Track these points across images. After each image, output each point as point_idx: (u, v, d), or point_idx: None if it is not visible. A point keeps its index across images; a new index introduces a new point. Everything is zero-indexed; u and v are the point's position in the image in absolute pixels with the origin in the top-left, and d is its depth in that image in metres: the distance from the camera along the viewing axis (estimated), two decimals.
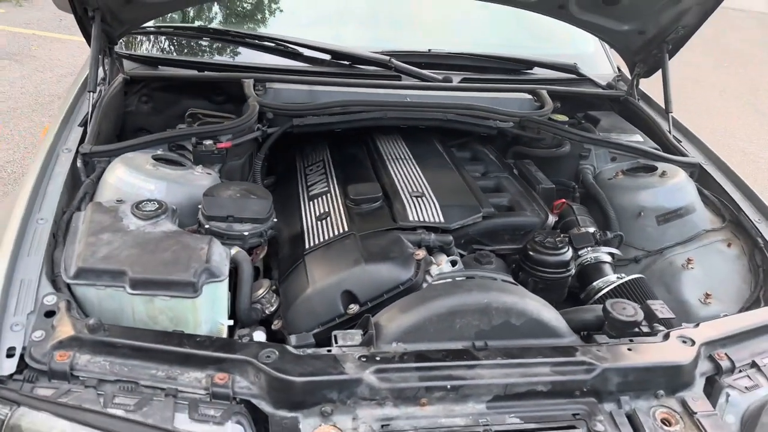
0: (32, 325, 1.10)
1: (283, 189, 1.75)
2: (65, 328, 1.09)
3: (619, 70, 2.33)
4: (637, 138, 1.94)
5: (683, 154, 1.86)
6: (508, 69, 2.13)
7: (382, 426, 1.03)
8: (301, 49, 1.99)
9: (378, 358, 1.09)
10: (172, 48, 2.10)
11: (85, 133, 1.61)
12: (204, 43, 2.11)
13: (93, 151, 1.53)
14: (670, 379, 1.15)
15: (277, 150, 1.95)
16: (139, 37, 2.10)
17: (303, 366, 1.06)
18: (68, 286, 1.20)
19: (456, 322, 1.19)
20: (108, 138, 1.70)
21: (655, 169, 1.76)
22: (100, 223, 1.30)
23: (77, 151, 1.53)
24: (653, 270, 1.66)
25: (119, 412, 0.99)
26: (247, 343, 1.12)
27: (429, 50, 2.08)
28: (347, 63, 2.00)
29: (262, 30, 2.25)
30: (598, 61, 2.33)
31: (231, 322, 1.30)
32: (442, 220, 1.46)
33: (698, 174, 1.83)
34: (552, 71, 2.17)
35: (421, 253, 1.35)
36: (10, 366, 1.04)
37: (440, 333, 1.18)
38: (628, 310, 1.27)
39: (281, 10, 2.33)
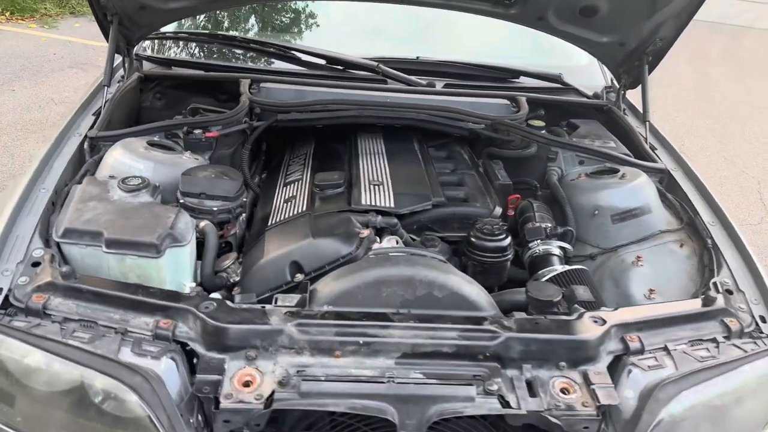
0: (20, 272, 1.30)
1: (270, 178, 1.94)
2: (44, 276, 1.28)
3: (612, 81, 2.40)
4: (610, 144, 2.02)
5: (653, 161, 1.93)
6: (494, 77, 2.25)
7: (298, 371, 1.16)
8: (298, 54, 2.18)
9: (301, 314, 1.23)
10: (185, 51, 2.34)
11: (96, 120, 1.84)
12: (212, 47, 2.33)
13: (98, 135, 1.75)
14: (573, 353, 1.24)
15: (275, 145, 2.14)
16: (156, 40, 2.34)
17: (234, 316, 1.21)
18: (57, 244, 1.40)
19: (382, 291, 1.32)
20: (118, 127, 1.92)
21: (617, 171, 1.84)
22: (89, 193, 1.50)
23: (86, 135, 1.76)
24: (607, 266, 1.73)
25: (75, 343, 1.17)
26: (191, 295, 1.29)
27: (417, 57, 2.24)
28: (339, 68, 2.17)
29: (269, 37, 2.46)
30: (591, 72, 2.41)
31: (194, 285, 1.47)
32: (392, 205, 1.61)
33: (666, 179, 1.89)
34: (538, 80, 2.27)
35: (366, 232, 1.49)
36: None
37: (367, 300, 1.31)
38: (547, 291, 1.37)
39: (286, 21, 2.54)
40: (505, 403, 1.16)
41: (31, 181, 1.53)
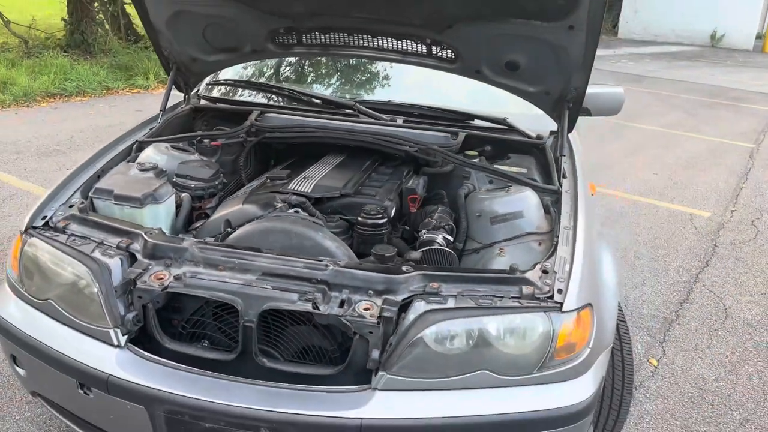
0: (60, 210, 2.08)
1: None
2: (72, 211, 2.06)
3: None
4: (522, 170, 2.46)
5: (551, 184, 2.33)
6: (450, 118, 2.79)
7: (191, 275, 1.78)
8: (299, 95, 2.92)
9: (202, 242, 1.86)
10: (229, 92, 3.17)
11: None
12: (244, 91, 3.15)
13: (144, 140, 2.57)
14: (380, 286, 1.73)
15: (280, 158, 2.86)
16: (210, 84, 3.20)
17: (163, 239, 1.88)
18: (90, 198, 2.18)
19: (270, 237, 1.92)
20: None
21: (507, 188, 2.28)
22: (119, 170, 2.29)
23: (136, 140, 2.58)
24: (484, 257, 2.17)
25: (71, 245, 1.90)
26: (146, 227, 1.97)
27: (389, 100, 2.86)
28: (331, 106, 2.86)
29: (283, 81, 3.28)
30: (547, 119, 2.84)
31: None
32: (309, 191, 2.21)
33: (559, 198, 2.28)
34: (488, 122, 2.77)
35: (279, 204, 2.10)
36: (41, 223, 2.02)
37: (259, 242, 1.91)
38: (384, 249, 1.88)
39: (298, 72, 3.33)
40: (315, 308, 1.68)
41: (87, 162, 2.34)
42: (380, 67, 3.21)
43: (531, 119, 2.78)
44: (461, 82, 2.70)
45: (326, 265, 1.77)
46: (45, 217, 2.05)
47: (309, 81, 3.37)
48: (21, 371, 1.99)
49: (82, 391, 1.79)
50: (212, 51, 2.73)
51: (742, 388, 2.99)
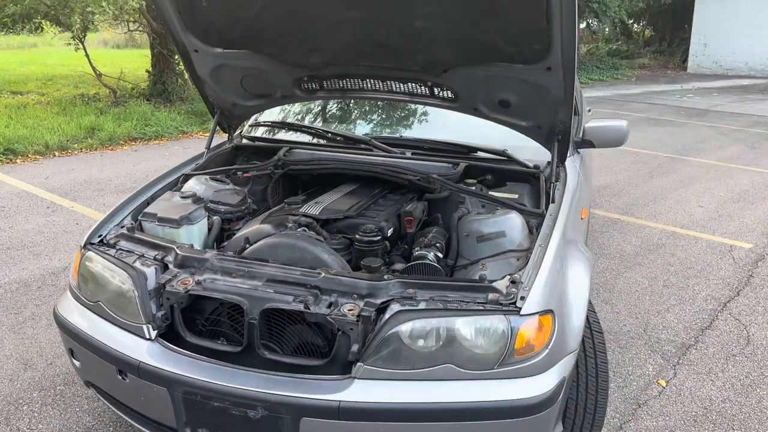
0: (113, 230, 2.52)
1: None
2: (122, 231, 2.49)
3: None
4: (514, 196, 2.72)
5: (536, 207, 2.58)
6: (454, 150, 3.09)
7: (210, 280, 2.15)
8: (322, 132, 3.31)
9: (221, 254, 2.23)
10: (265, 132, 3.60)
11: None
12: (276, 129, 3.59)
13: (189, 173, 3.01)
14: (362, 291, 2.03)
15: (307, 188, 3.24)
16: (252, 125, 3.64)
17: (190, 252, 2.26)
18: (139, 221, 2.62)
19: (278, 250, 2.28)
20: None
21: (495, 211, 2.55)
22: (164, 198, 2.73)
23: (182, 173, 3.02)
24: (470, 272, 2.43)
25: (118, 258, 2.32)
26: (179, 243, 2.37)
27: (400, 136, 3.20)
28: (351, 141, 3.23)
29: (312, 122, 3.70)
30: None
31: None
32: (316, 213, 2.56)
33: (542, 220, 2.52)
34: (489, 154, 3.05)
35: (290, 224, 2.46)
36: (97, 240, 2.47)
37: (268, 255, 2.27)
38: (371, 261, 2.20)
39: (326, 112, 3.73)
40: (306, 308, 2.00)
41: (139, 191, 2.79)
42: (393, 106, 3.56)
43: (534, 150, 3.04)
44: (466, 118, 3.01)
45: (318, 273, 2.09)
46: (101, 235, 2.49)
47: (333, 119, 3.79)
48: (76, 362, 2.40)
49: (120, 377, 2.17)
50: (249, 97, 3.17)
51: (749, 409, 3.05)
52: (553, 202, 2.67)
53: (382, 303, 2.02)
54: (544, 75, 2.48)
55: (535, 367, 1.99)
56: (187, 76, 12.60)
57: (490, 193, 2.79)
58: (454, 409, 1.91)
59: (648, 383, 3.24)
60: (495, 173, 2.98)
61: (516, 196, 2.76)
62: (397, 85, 2.87)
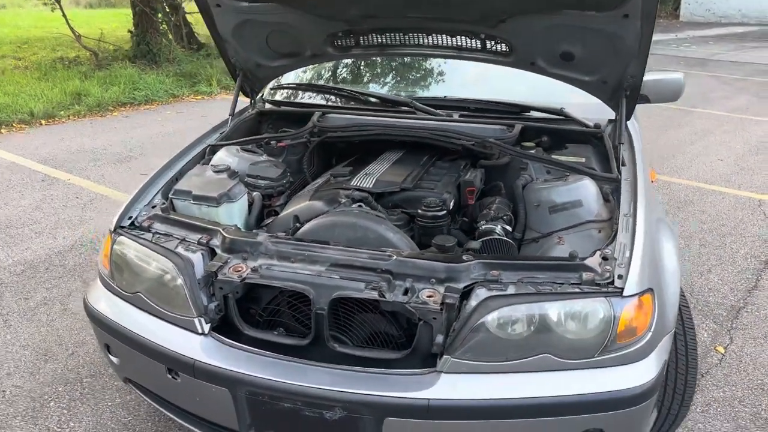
0: (144, 210, 2.26)
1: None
2: (155, 211, 2.23)
3: None
4: (580, 159, 2.49)
5: (609, 172, 2.36)
6: (505, 111, 2.84)
7: (266, 267, 1.91)
8: (359, 95, 3.03)
9: (275, 237, 1.99)
10: (291, 95, 3.31)
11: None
12: (306, 93, 3.29)
13: (216, 144, 2.73)
14: (442, 274, 1.81)
15: (342, 157, 2.98)
16: (274, 89, 3.35)
17: (239, 235, 2.02)
18: (170, 198, 2.35)
19: (336, 230, 2.04)
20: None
21: (565, 177, 2.32)
22: (195, 172, 2.46)
23: (208, 144, 2.75)
24: (543, 246, 2.22)
25: (156, 243, 2.07)
26: (223, 224, 2.12)
27: (444, 96, 2.94)
28: (389, 103, 2.96)
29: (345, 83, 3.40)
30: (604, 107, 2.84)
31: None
32: (370, 186, 2.32)
33: (618, 186, 2.30)
34: (545, 113, 2.80)
35: (344, 200, 2.21)
36: (127, 223, 2.20)
37: (326, 235, 2.03)
38: (444, 240, 1.97)
39: (354, 72, 3.45)
40: (381, 296, 1.78)
41: (165, 166, 2.52)
42: (434, 63, 3.28)
43: (588, 108, 2.80)
44: (516, 75, 2.75)
45: (390, 256, 1.86)
46: (131, 217, 2.23)
47: (366, 80, 3.49)
48: (114, 359, 2.17)
49: (170, 376, 1.95)
50: (275, 57, 2.88)
51: None
52: (623, 165, 2.45)
53: (465, 287, 1.80)
54: (619, 23, 2.22)
55: (638, 352, 1.80)
56: (171, 36, 12.07)
57: (554, 157, 2.55)
58: (555, 403, 1.71)
59: (706, 351, 3.09)
60: (551, 134, 2.74)
61: (583, 159, 2.53)
62: (444, 39, 2.59)
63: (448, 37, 2.58)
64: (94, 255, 4.06)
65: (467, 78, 3.18)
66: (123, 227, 2.20)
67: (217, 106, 8.80)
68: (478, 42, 2.56)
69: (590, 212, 2.20)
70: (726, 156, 6.45)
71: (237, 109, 3.05)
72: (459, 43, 2.60)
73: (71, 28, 10.66)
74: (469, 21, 2.44)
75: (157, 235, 2.12)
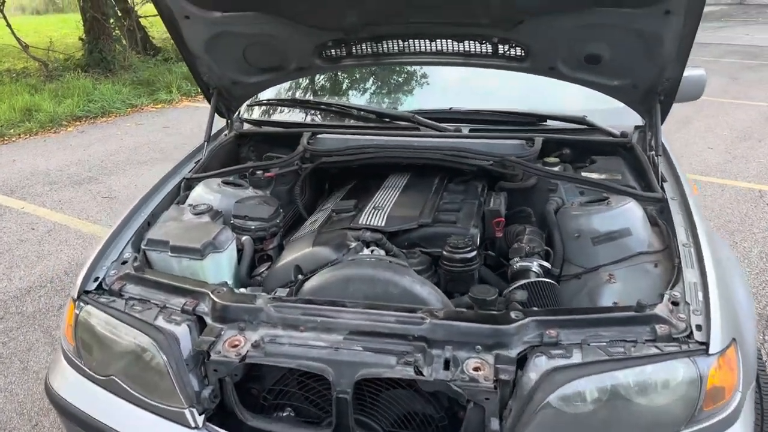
0: (112, 267, 1.88)
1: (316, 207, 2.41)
2: (125, 269, 1.85)
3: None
4: (616, 177, 2.18)
5: (656, 191, 2.05)
6: (521, 122, 2.52)
7: (270, 340, 1.56)
8: (351, 110, 2.67)
9: (278, 299, 1.64)
10: (273, 113, 2.93)
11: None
12: (289, 109, 2.91)
13: (192, 177, 2.35)
14: (489, 339, 1.48)
15: (335, 184, 2.62)
16: (252, 106, 2.96)
17: (233, 298, 1.65)
18: (143, 250, 1.97)
19: (350, 286, 1.68)
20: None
21: (606, 199, 2.01)
22: (171, 215, 2.07)
23: (184, 177, 2.36)
24: (587, 284, 1.90)
25: (131, 313, 1.69)
26: (212, 285, 1.75)
27: (450, 108, 2.60)
28: (386, 119, 2.60)
29: (333, 98, 3.03)
30: (627, 112, 2.53)
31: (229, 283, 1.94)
32: (382, 224, 1.97)
33: (665, 207, 2.01)
34: (565, 123, 2.49)
35: (353, 244, 1.86)
36: (93, 287, 1.81)
37: (338, 293, 1.68)
38: (483, 291, 1.63)
39: (339, 83, 3.09)
40: (418, 372, 1.44)
41: (134, 208, 2.14)
42: (430, 70, 2.93)
43: (608, 115, 2.51)
44: (522, 80, 2.43)
45: (422, 318, 1.53)
46: (97, 278, 1.85)
47: (356, 91, 3.13)
48: None
49: None
50: (254, 72, 2.51)
51: None
52: (664, 180, 2.15)
53: (519, 354, 1.48)
54: (659, 21, 1.93)
55: (728, 418, 1.50)
56: (125, 41, 11.47)
57: (584, 174, 2.24)
58: None
59: None
60: (573, 147, 2.43)
61: (619, 176, 2.22)
62: (450, 45, 2.26)
63: (455, 43, 2.25)
64: (55, 297, 3.62)
65: (470, 86, 2.84)
66: (89, 292, 1.81)
67: (180, 115, 8.33)
68: (490, 46, 2.24)
69: (641, 242, 1.89)
70: (715, 144, 6.27)
71: (212, 131, 2.66)
72: (467, 49, 2.27)
73: (17, 38, 10.00)
74: (485, 24, 2.11)
75: (132, 302, 1.74)
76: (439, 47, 2.28)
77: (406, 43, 2.28)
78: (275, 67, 2.49)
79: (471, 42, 2.23)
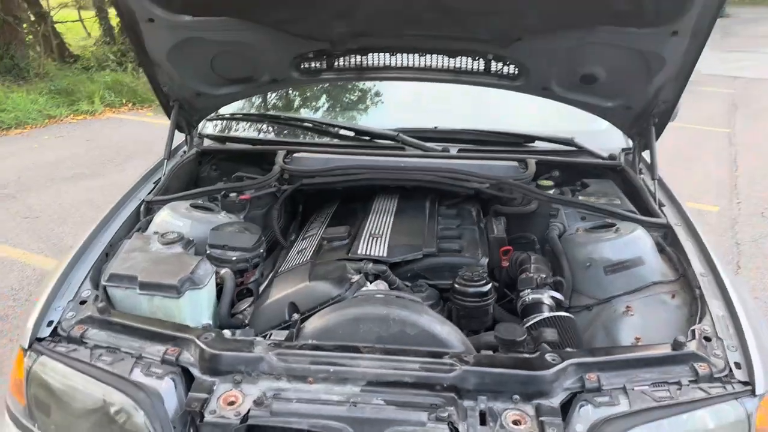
0: (69, 309, 1.59)
1: (298, 234, 2.18)
2: (87, 311, 1.57)
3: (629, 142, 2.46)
4: (615, 201, 2.10)
5: (658, 216, 1.98)
6: (509, 142, 2.41)
7: (274, 394, 1.34)
8: (330, 128, 2.47)
9: (281, 345, 1.42)
10: (238, 128, 2.69)
11: (155, 188, 2.18)
12: (261, 125, 2.68)
13: (153, 200, 2.08)
14: (527, 387, 1.33)
15: (311, 206, 2.41)
16: (215, 120, 2.71)
17: (226, 345, 1.42)
18: (104, 287, 1.69)
19: (360, 327, 1.49)
20: (174, 193, 2.25)
21: (613, 226, 1.92)
22: (135, 245, 1.80)
23: (143, 200, 2.09)
24: (601, 316, 1.79)
25: (99, 365, 1.42)
26: (196, 329, 1.51)
27: (435, 127, 2.46)
28: (366, 138, 2.43)
29: (308, 113, 2.81)
30: (611, 135, 2.48)
31: (209, 323, 1.70)
32: (384, 254, 1.79)
33: (669, 234, 1.94)
34: (553, 144, 2.40)
35: (356, 277, 1.67)
36: (47, 332, 1.52)
37: (347, 335, 1.48)
38: (513, 331, 1.48)
39: (323, 101, 2.88)
40: (454, 430, 1.27)
41: (89, 237, 1.85)
42: (409, 87, 2.77)
43: (595, 137, 2.46)
44: (505, 97, 2.33)
45: (452, 364, 1.35)
46: (51, 322, 1.56)
47: (325, 103, 2.92)
48: None
49: None
50: (222, 83, 2.28)
51: None
52: (662, 205, 2.09)
53: (561, 403, 1.33)
54: (664, 41, 1.87)
55: None
56: (40, 48, 10.69)
57: (581, 198, 2.14)
58: None
59: None
60: (562, 169, 2.34)
61: (618, 201, 2.13)
62: (440, 61, 2.13)
63: (447, 58, 2.12)
64: None
65: (453, 103, 2.71)
66: (41, 340, 1.52)
67: (103, 127, 7.81)
68: (483, 63, 2.12)
69: (653, 271, 1.80)
70: None
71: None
72: (457, 65, 2.15)
73: None
74: (480, 40, 1.99)
75: (98, 351, 1.47)
76: (428, 63, 2.14)
77: (394, 57, 2.13)
78: (245, 79, 2.27)
79: (463, 58, 2.11)
